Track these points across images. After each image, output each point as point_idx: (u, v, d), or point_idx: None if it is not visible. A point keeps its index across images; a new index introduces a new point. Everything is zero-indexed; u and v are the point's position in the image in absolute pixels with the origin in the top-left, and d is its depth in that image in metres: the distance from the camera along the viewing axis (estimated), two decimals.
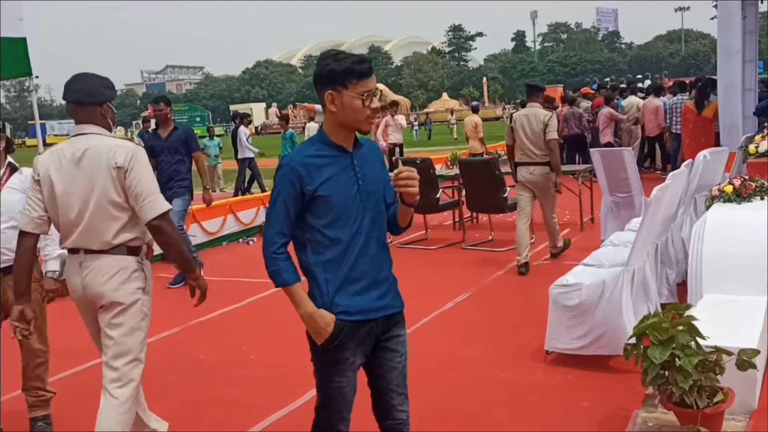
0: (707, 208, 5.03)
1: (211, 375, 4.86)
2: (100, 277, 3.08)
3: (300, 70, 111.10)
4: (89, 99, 3.17)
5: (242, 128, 15.18)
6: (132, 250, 3.15)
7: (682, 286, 5.37)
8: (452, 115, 41.45)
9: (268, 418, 4.04)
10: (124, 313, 3.12)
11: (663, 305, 4.92)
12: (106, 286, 3.08)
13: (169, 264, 8.95)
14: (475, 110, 15.64)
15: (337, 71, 2.40)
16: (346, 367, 2.50)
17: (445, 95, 65.13)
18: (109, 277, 3.09)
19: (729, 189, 4.97)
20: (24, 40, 16.80)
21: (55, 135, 49.63)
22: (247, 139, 14.94)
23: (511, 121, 7.45)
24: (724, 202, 4.96)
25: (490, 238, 8.86)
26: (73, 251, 3.15)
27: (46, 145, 22.78)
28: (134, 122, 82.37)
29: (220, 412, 4.16)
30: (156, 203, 3.06)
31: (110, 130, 3.29)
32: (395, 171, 2.44)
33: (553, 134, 6.93)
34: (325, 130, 2.51)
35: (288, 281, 2.44)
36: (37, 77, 18.16)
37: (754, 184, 5.02)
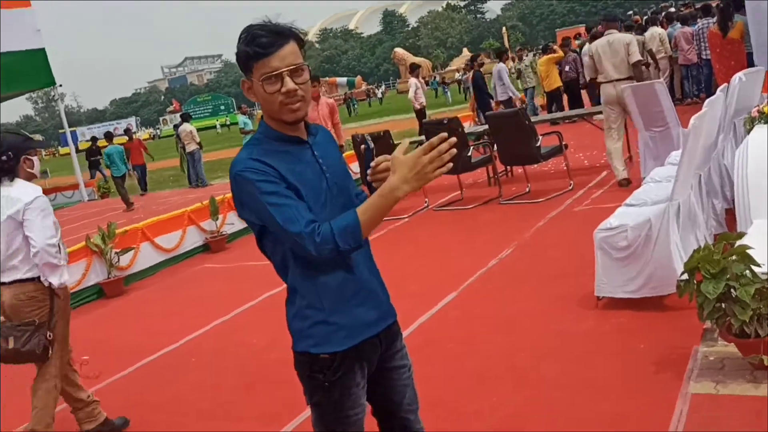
0: (748, 131, 4.86)
1: (265, 357, 4.91)
2: None
3: (317, 45, 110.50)
4: None
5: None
6: None
7: (730, 215, 5.22)
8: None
9: None
10: None
11: (713, 237, 4.80)
12: None
13: (216, 254, 9.11)
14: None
15: (241, 54, 1.96)
16: (359, 393, 2.13)
17: (465, 51, 64.15)
18: None
19: None
20: (43, 50, 17.09)
21: (87, 141, 50.22)
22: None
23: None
24: (765, 123, 4.78)
25: (527, 190, 8.73)
26: None
27: (78, 151, 22.90)
28: (161, 118, 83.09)
29: (278, 392, 4.20)
30: None
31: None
32: (373, 163, 2.05)
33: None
34: (267, 121, 2.05)
35: (349, 223, 1.90)
36: (60, 86, 18.54)
37: None
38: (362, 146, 10.99)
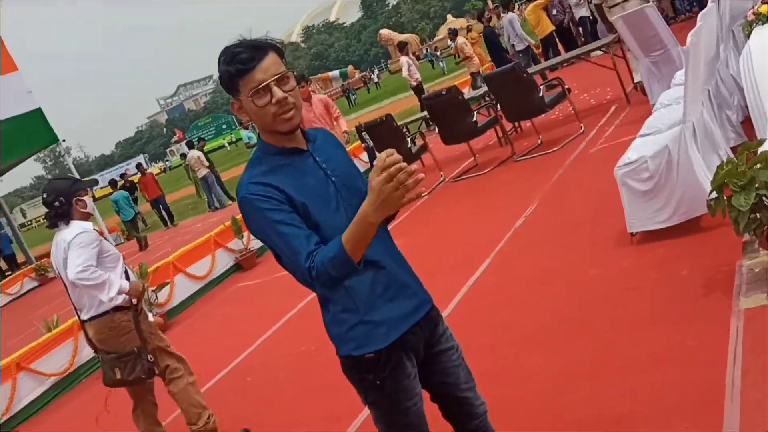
0: (747, 36, 4.74)
1: (316, 362, 4.94)
2: None
3: (303, 45, 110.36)
4: None
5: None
6: None
7: (747, 124, 5.12)
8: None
9: None
10: None
11: (733, 149, 4.72)
12: None
13: (248, 271, 9.17)
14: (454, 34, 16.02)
15: (224, 75, 1.98)
16: (412, 384, 2.12)
17: (449, 17, 63.44)
18: None
19: (764, 9, 4.66)
20: (39, 110, 17.17)
21: (101, 188, 50.84)
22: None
23: None
24: (763, 23, 4.67)
25: (539, 142, 8.65)
26: None
27: (96, 200, 23.03)
28: (167, 150, 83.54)
29: (336, 393, 4.21)
30: None
31: None
32: (376, 161, 1.76)
33: None
34: (264, 138, 2.05)
35: (336, 253, 1.86)
36: (64, 140, 18.64)
37: None
38: (363, 144, 10.94)
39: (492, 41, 14.66)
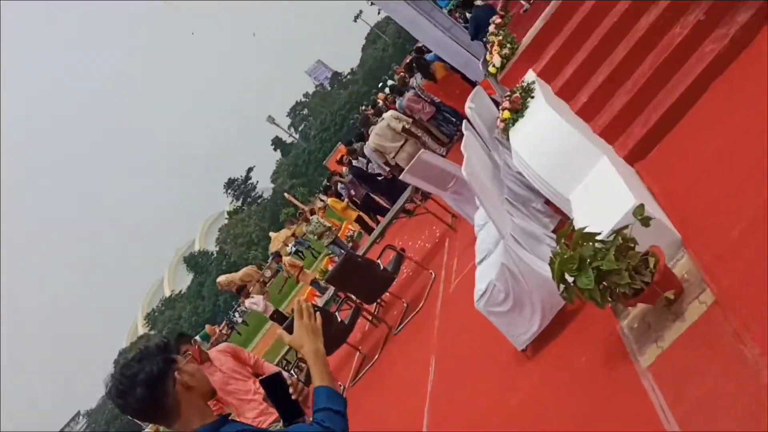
0: (508, 139, 5.29)
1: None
2: None
3: (152, 333, 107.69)
4: None
5: None
6: None
7: (552, 205, 5.58)
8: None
9: None
10: None
11: (555, 231, 5.10)
12: None
13: None
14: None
15: (161, 360, 2.37)
16: None
17: (271, 234, 64.92)
18: None
19: (507, 115, 5.28)
20: None
21: None
22: None
23: None
24: (513, 125, 5.26)
25: (405, 306, 8.79)
26: None
27: None
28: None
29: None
30: None
31: None
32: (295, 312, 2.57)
33: None
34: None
35: (326, 395, 2.53)
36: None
37: (517, 94, 5.38)
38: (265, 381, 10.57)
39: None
